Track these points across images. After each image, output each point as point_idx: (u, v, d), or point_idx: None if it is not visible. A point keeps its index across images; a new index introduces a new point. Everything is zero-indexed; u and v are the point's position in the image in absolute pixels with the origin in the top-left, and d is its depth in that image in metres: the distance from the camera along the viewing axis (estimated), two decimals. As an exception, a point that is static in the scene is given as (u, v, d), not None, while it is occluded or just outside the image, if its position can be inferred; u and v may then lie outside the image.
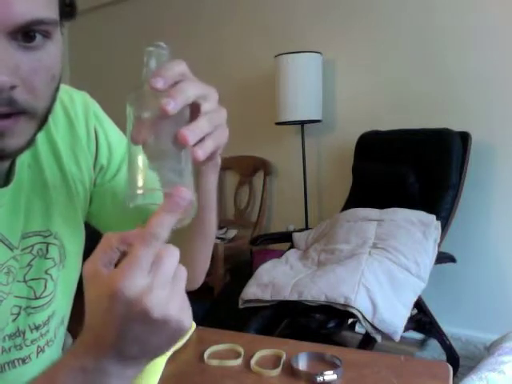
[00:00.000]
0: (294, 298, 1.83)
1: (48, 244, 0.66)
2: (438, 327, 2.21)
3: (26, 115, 0.50)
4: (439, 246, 2.09)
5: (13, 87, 0.47)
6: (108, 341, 0.41)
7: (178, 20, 3.42)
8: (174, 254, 0.42)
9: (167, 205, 0.42)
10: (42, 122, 0.54)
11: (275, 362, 0.74)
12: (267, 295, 1.90)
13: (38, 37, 0.48)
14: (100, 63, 3.86)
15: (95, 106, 0.73)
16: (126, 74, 3.80)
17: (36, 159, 0.65)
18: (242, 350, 0.77)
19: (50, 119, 0.60)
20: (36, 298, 0.66)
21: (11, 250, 0.61)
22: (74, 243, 0.71)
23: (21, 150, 0.52)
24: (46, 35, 0.49)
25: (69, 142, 0.68)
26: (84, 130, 0.70)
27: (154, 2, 3.53)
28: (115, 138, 0.74)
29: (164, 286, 0.41)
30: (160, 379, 0.69)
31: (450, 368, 0.71)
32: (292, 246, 2.41)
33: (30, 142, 0.53)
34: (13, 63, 0.46)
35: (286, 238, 2.50)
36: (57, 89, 0.54)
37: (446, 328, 2.25)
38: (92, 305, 0.42)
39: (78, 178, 0.69)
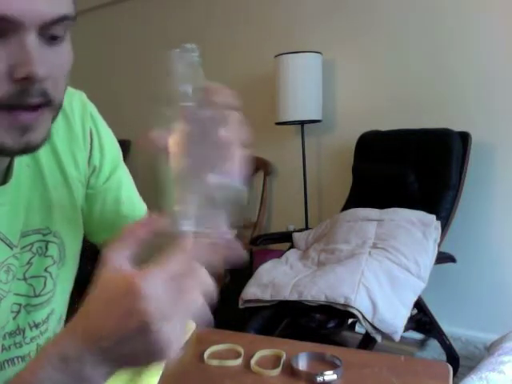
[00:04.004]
0: (294, 297, 1.83)
1: (47, 242, 0.66)
2: (438, 327, 2.21)
3: (51, 107, 0.53)
4: (439, 245, 2.09)
5: (46, 79, 0.50)
6: (97, 333, 0.41)
7: (178, 20, 3.42)
8: (205, 285, 0.42)
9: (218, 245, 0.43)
10: (57, 114, 0.56)
11: (275, 361, 0.74)
12: (267, 295, 1.90)
13: (60, 33, 0.51)
14: (100, 63, 3.86)
15: (92, 107, 0.73)
16: (126, 75, 3.80)
17: (35, 158, 0.65)
18: (241, 350, 0.77)
19: None
20: (36, 296, 0.66)
21: (11, 248, 0.62)
22: (74, 241, 0.71)
23: (42, 143, 0.54)
24: (65, 32, 0.52)
25: (67, 141, 0.69)
26: (80, 128, 0.70)
27: (154, 2, 3.53)
28: (109, 143, 0.74)
29: (175, 314, 0.40)
30: (160, 379, 0.69)
31: (450, 368, 0.71)
32: (292, 246, 2.41)
33: (48, 135, 0.55)
34: (44, 57, 0.49)
35: (286, 238, 2.50)
36: (67, 83, 0.57)
37: (446, 328, 2.25)
38: (102, 292, 0.42)
39: (76, 176, 0.70)
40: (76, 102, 0.71)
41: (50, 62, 0.50)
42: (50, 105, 0.52)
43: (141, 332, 0.40)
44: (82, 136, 0.70)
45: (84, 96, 0.73)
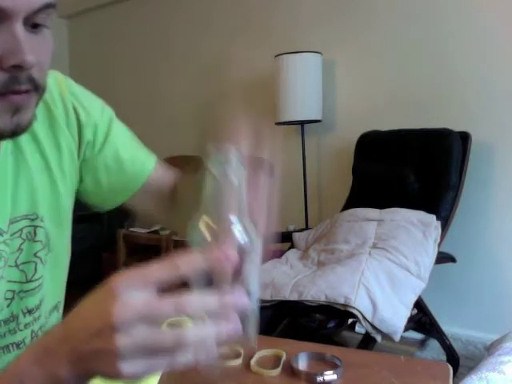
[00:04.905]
0: (294, 297, 1.83)
1: (36, 227, 0.67)
2: (438, 327, 2.21)
3: (37, 92, 0.55)
4: (439, 246, 2.08)
5: (33, 66, 0.51)
6: (72, 327, 0.42)
7: (178, 20, 3.42)
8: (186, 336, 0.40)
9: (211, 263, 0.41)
10: (40, 99, 0.58)
11: (275, 361, 0.74)
12: (267, 295, 1.90)
13: (42, 21, 0.53)
14: (100, 63, 3.86)
15: (69, 83, 0.73)
16: (126, 75, 3.80)
17: (17, 145, 0.65)
18: (241, 350, 0.77)
19: None
20: (27, 282, 0.66)
21: (1, 234, 0.62)
22: (60, 226, 0.71)
23: (30, 125, 0.56)
24: (47, 19, 0.53)
25: (47, 126, 0.69)
26: (62, 111, 0.70)
27: (154, 3, 3.53)
28: (96, 109, 0.74)
29: (152, 350, 0.39)
30: (160, 379, 0.69)
31: (450, 368, 0.71)
32: (292, 246, 2.41)
33: (34, 118, 0.57)
34: (31, 44, 0.50)
35: (286, 237, 2.50)
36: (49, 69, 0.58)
37: (446, 328, 2.25)
38: (91, 296, 0.42)
39: (60, 161, 0.70)
40: (52, 84, 0.70)
41: (36, 50, 0.51)
42: (37, 89, 0.54)
43: (102, 332, 0.39)
44: (64, 117, 0.70)
45: (59, 74, 0.73)
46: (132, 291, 0.40)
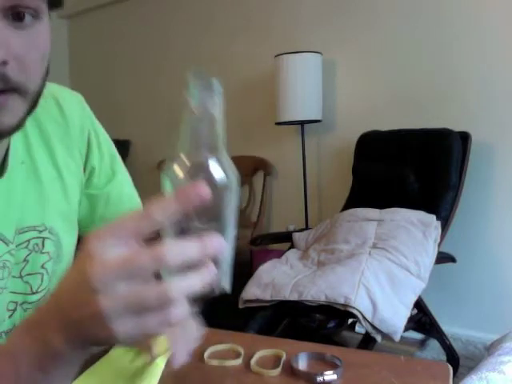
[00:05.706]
0: (294, 298, 1.83)
1: (44, 239, 0.66)
2: (438, 327, 2.21)
3: (18, 93, 0.50)
4: (439, 246, 2.08)
5: (4, 63, 0.47)
6: (57, 295, 0.41)
7: (179, 20, 3.42)
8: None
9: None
10: (34, 102, 0.54)
11: (275, 361, 0.74)
12: (267, 295, 1.90)
13: (28, 17, 0.49)
14: (100, 63, 3.86)
15: (89, 110, 0.75)
16: (126, 75, 3.80)
17: (29, 154, 0.65)
18: (241, 350, 0.77)
19: (43, 113, 0.62)
20: (32, 293, 0.66)
21: (6, 244, 0.62)
22: (69, 237, 0.71)
23: (13, 130, 0.53)
24: (35, 15, 0.50)
25: (62, 138, 0.69)
26: (78, 130, 0.71)
27: (155, 2, 3.53)
28: (107, 145, 0.76)
29: (138, 307, 0.37)
30: (160, 379, 0.69)
31: (450, 368, 0.71)
32: (292, 246, 2.41)
33: (22, 123, 0.53)
34: (4, 39, 0.47)
35: (286, 237, 2.50)
36: (47, 70, 0.55)
37: (446, 328, 2.25)
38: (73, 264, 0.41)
39: (72, 172, 0.70)
40: (74, 103, 0.72)
41: (15, 46, 0.48)
42: (17, 90, 0.50)
43: (86, 297, 0.38)
44: (79, 136, 0.71)
45: (82, 98, 0.75)
46: (108, 248, 0.37)
